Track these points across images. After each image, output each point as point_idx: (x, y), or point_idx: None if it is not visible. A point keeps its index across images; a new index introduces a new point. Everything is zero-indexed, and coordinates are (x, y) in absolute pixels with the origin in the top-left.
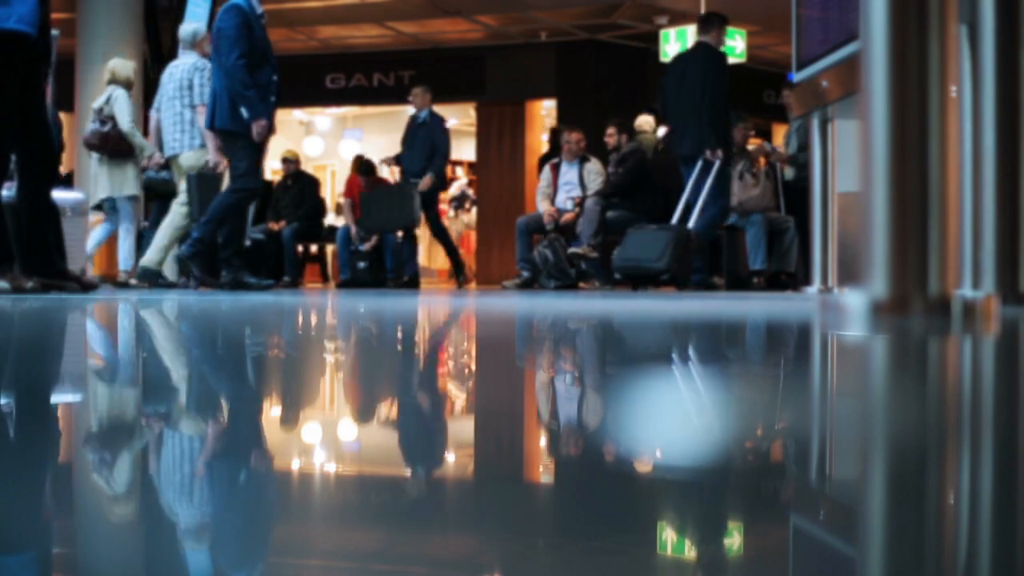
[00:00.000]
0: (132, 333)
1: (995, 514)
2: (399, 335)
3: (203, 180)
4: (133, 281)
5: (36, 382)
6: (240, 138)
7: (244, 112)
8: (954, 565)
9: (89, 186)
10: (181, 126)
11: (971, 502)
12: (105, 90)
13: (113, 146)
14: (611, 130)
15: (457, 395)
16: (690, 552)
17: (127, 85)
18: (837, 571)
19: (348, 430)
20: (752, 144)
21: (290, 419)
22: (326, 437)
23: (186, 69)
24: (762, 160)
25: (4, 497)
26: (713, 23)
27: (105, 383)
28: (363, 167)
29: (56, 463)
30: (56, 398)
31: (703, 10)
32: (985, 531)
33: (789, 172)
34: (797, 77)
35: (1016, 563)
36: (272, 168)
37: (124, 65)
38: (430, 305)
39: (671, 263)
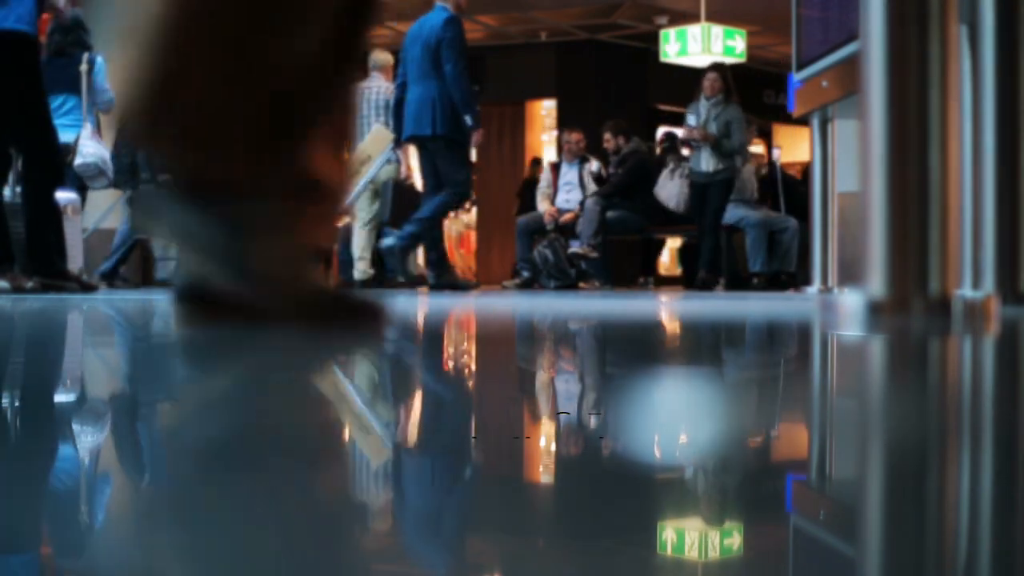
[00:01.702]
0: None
1: (995, 514)
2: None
3: (400, 190)
4: None
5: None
6: (459, 147)
7: (468, 120)
8: (954, 565)
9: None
10: None
11: (971, 502)
12: None
13: None
14: (607, 135)
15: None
16: (690, 552)
17: None
18: (837, 571)
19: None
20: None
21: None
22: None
23: (382, 91)
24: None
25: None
26: None
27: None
28: None
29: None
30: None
31: (703, 10)
32: (985, 531)
33: (709, 162)
34: (797, 77)
35: (1016, 563)
36: None
37: None
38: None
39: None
